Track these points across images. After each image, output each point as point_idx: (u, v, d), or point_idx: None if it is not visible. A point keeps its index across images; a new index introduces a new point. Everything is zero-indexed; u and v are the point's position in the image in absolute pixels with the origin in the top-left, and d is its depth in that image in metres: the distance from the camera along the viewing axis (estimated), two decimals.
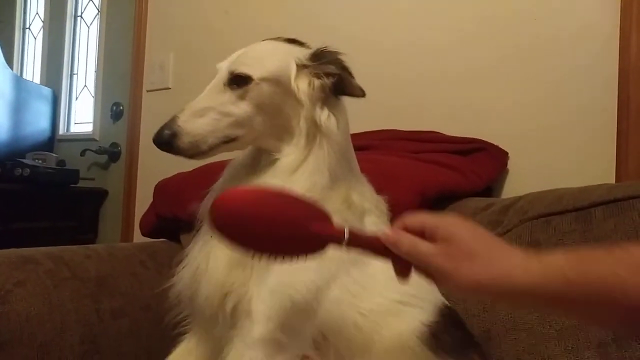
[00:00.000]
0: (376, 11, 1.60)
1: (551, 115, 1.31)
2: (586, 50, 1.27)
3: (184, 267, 0.85)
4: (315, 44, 0.85)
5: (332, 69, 0.79)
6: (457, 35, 1.45)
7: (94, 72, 2.56)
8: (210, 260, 0.81)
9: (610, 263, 0.48)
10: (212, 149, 0.78)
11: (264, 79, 0.78)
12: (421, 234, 0.56)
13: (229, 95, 0.78)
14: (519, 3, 1.37)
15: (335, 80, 0.79)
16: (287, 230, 0.57)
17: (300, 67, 0.80)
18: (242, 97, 0.78)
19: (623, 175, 1.19)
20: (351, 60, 0.83)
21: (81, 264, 1.07)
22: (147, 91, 2.14)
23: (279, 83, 0.79)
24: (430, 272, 0.56)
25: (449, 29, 1.47)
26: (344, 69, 0.80)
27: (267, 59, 0.80)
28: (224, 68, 0.80)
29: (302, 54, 0.81)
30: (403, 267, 0.58)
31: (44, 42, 2.78)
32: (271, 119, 0.80)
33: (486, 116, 1.39)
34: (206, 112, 0.77)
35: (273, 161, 0.80)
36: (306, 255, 0.59)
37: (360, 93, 0.81)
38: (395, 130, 1.42)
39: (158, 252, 1.28)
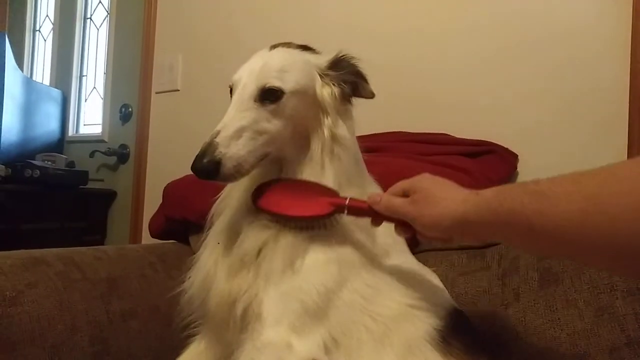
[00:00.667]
0: (386, 10, 1.59)
1: (562, 117, 1.30)
2: (597, 55, 1.27)
3: (193, 273, 0.86)
4: (325, 45, 0.86)
5: (350, 77, 0.81)
6: (468, 36, 1.45)
7: (103, 74, 2.57)
8: (217, 267, 0.82)
9: (519, 191, 0.56)
10: (251, 169, 0.76)
11: (294, 92, 0.77)
12: (403, 195, 0.71)
13: (261, 112, 0.76)
14: (529, 3, 1.37)
15: (352, 86, 0.81)
16: (304, 200, 0.77)
17: (321, 76, 0.81)
18: (274, 113, 0.76)
19: None
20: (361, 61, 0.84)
21: (91, 266, 1.08)
22: (156, 93, 2.16)
23: (306, 94, 0.79)
24: (405, 221, 0.70)
25: (461, 30, 1.47)
26: (361, 76, 0.82)
27: (292, 70, 0.79)
28: (249, 84, 0.77)
29: (319, 61, 0.82)
30: (398, 224, 0.73)
31: (54, 44, 2.80)
32: (297, 130, 0.80)
33: (496, 118, 1.39)
34: (242, 132, 0.74)
35: (289, 173, 0.81)
36: (318, 218, 0.76)
37: (370, 95, 0.84)
38: (405, 132, 1.42)
39: (167, 253, 1.29)
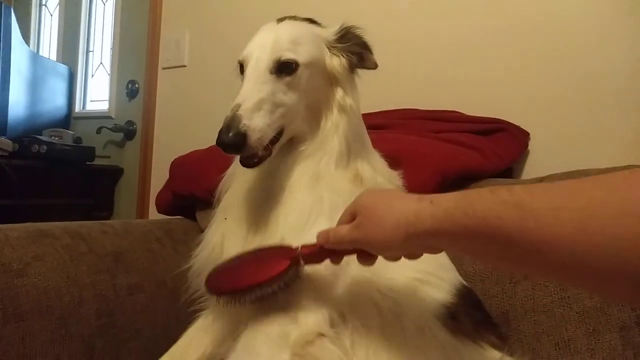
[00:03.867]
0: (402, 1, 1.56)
1: (573, 94, 1.28)
2: (612, 30, 1.23)
3: (201, 249, 0.86)
4: (333, 21, 0.86)
5: (355, 48, 0.82)
6: (480, 12, 1.42)
7: (109, 50, 2.55)
8: (225, 241, 0.82)
9: (491, 201, 0.49)
10: (267, 147, 0.75)
11: (308, 64, 0.79)
12: (352, 219, 0.63)
13: (277, 84, 0.76)
14: None
15: (358, 57, 0.83)
16: (255, 266, 0.70)
17: (329, 48, 0.82)
18: (290, 86, 0.77)
19: None
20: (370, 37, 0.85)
21: (98, 239, 1.07)
22: (163, 69, 2.14)
23: (318, 66, 0.80)
24: (357, 247, 0.63)
25: (473, 6, 1.43)
26: (367, 47, 0.84)
27: (303, 42, 0.79)
28: (263, 57, 0.77)
29: (326, 34, 0.84)
30: (359, 256, 0.66)
31: (60, 19, 2.77)
32: (309, 103, 0.80)
33: (507, 96, 1.36)
34: (261, 104, 0.74)
35: (298, 147, 0.82)
36: (281, 275, 0.68)
37: (374, 66, 0.85)
38: (416, 109, 1.40)
39: (174, 229, 1.29)
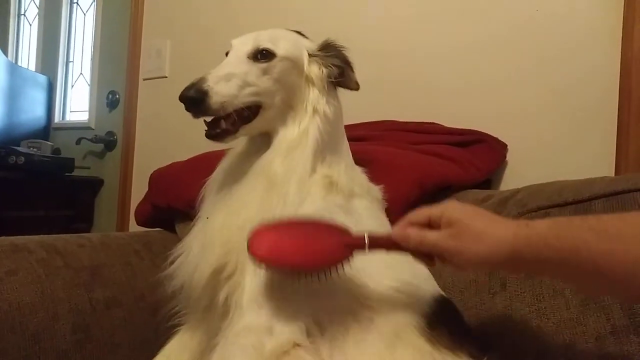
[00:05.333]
0: (380, 9, 1.57)
1: (550, 106, 1.30)
2: (588, 41, 1.26)
3: (177, 253, 0.85)
4: (314, 27, 0.91)
5: (337, 61, 0.86)
6: (456, 25, 1.44)
7: (90, 60, 2.53)
8: (207, 236, 0.81)
9: (582, 228, 0.53)
10: (235, 113, 0.79)
11: (285, 58, 0.83)
12: (427, 225, 0.64)
13: (252, 67, 0.81)
14: None
15: (339, 72, 0.86)
16: (316, 246, 0.67)
17: (311, 55, 0.86)
18: (265, 71, 0.81)
19: (623, 167, 1.18)
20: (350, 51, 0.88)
21: (74, 253, 1.06)
22: (144, 79, 2.12)
23: (295, 65, 0.84)
24: (441, 256, 0.64)
25: (448, 20, 1.45)
26: (348, 63, 0.87)
27: (285, 41, 0.85)
28: (245, 44, 0.83)
29: (309, 44, 0.88)
30: (423, 257, 0.66)
31: (40, 29, 2.75)
32: (284, 95, 0.83)
33: (485, 108, 1.38)
34: (231, 77, 0.78)
35: (271, 140, 0.84)
36: (337, 264, 0.67)
37: (355, 87, 0.88)
38: (394, 121, 1.41)
39: (153, 242, 1.27)
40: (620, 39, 1.20)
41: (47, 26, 2.71)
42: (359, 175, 0.90)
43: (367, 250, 0.67)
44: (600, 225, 0.52)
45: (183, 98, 0.74)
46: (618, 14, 1.21)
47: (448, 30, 1.45)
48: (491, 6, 1.39)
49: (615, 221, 0.51)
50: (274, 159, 0.81)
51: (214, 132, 0.79)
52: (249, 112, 0.81)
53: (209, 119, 0.80)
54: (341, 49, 0.87)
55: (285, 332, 0.69)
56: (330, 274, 0.67)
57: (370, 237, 0.67)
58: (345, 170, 0.85)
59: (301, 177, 0.80)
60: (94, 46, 2.48)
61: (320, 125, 0.83)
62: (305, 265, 0.67)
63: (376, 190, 0.91)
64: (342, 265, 0.68)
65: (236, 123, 0.80)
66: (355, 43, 0.89)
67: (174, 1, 2.07)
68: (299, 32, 0.91)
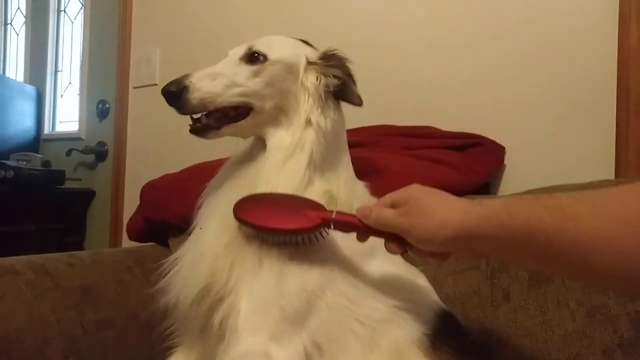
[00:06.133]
0: (373, 10, 1.55)
1: (548, 108, 1.27)
2: (584, 43, 1.23)
3: (169, 266, 0.84)
4: (306, 29, 0.93)
5: (338, 72, 0.82)
6: (450, 29, 1.41)
7: (78, 69, 2.50)
8: (199, 250, 0.79)
9: (535, 206, 0.52)
10: (217, 112, 0.79)
11: (278, 61, 0.81)
12: (391, 207, 0.65)
13: (242, 68, 0.80)
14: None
15: (340, 84, 0.82)
16: (287, 213, 0.72)
17: (310, 62, 0.83)
18: (256, 74, 0.80)
19: (622, 168, 1.16)
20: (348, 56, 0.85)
21: (64, 273, 1.03)
22: (134, 88, 2.09)
23: (291, 70, 0.82)
24: (397, 233, 0.64)
25: (443, 25, 1.43)
26: (349, 75, 0.83)
27: (282, 46, 0.84)
28: (239, 50, 0.82)
29: (311, 51, 0.85)
30: (388, 239, 0.67)
31: (27, 39, 2.72)
32: (277, 100, 0.81)
33: (481, 110, 1.35)
34: (218, 77, 0.78)
35: (267, 149, 0.82)
36: (307, 230, 0.71)
37: (358, 102, 0.84)
38: (390, 125, 1.38)
39: (146, 257, 1.24)
40: (617, 40, 1.18)
41: (35, 35, 2.68)
42: (360, 189, 0.86)
43: (332, 224, 0.70)
44: (554, 203, 0.51)
45: (163, 91, 0.76)
46: (614, 13, 1.19)
47: (444, 30, 1.42)
48: (484, 7, 1.36)
49: (570, 200, 0.50)
50: (267, 170, 0.79)
51: (195, 127, 0.79)
52: (236, 113, 0.80)
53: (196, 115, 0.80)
54: (344, 60, 0.83)
55: (283, 356, 0.67)
56: (302, 239, 0.72)
57: (338, 212, 0.71)
58: (345, 184, 0.82)
59: (297, 190, 0.77)
60: (83, 54, 2.44)
61: (315, 138, 0.79)
62: (276, 226, 0.72)
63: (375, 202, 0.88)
64: (315, 234, 0.72)
65: (220, 120, 0.79)
66: (347, 44, 0.87)
67: (163, 7, 2.04)
68: (304, 41, 0.88)
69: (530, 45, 1.30)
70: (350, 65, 0.84)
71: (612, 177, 1.17)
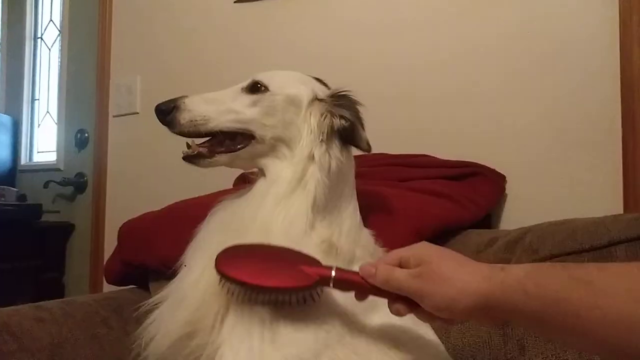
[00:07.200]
0: (368, 30, 1.49)
1: (551, 135, 1.22)
2: (587, 68, 1.19)
3: (149, 308, 0.78)
4: (291, 64, 0.87)
5: (346, 114, 0.78)
6: (449, 53, 1.36)
7: (56, 97, 2.42)
8: (180, 291, 0.74)
9: (564, 278, 0.49)
10: (207, 135, 0.78)
11: (280, 93, 0.79)
12: (398, 266, 0.60)
13: (242, 98, 0.79)
14: (516, 22, 1.29)
15: (347, 126, 0.78)
16: (280, 268, 0.65)
17: (318, 99, 0.80)
18: (254, 103, 0.79)
19: (631, 199, 1.10)
20: (338, 79, 0.83)
21: (31, 331, 0.93)
22: (114, 116, 2.02)
23: (293, 102, 0.79)
24: (409, 297, 0.58)
25: (442, 47, 1.38)
26: (358, 119, 0.80)
27: (286, 79, 0.82)
28: (248, 80, 0.82)
29: (321, 88, 0.83)
30: (394, 300, 0.60)
31: (2, 66, 2.66)
32: (279, 132, 0.78)
33: (480, 137, 1.30)
34: (215, 102, 0.78)
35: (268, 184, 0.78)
36: (299, 289, 0.64)
37: (365, 147, 0.80)
38: (384, 154, 1.30)
39: (123, 305, 1.14)
40: (619, 64, 1.14)
41: (11, 63, 2.63)
42: (366, 237, 0.80)
43: (332, 282, 0.63)
44: (584, 275, 0.48)
45: (155, 108, 0.77)
46: (614, 41, 1.15)
47: (440, 59, 1.37)
48: (486, 35, 1.32)
49: (602, 273, 0.48)
50: (267, 204, 0.74)
51: (187, 153, 0.79)
52: (233, 141, 0.79)
53: (198, 140, 0.79)
54: (354, 102, 0.80)
55: None
56: (291, 299, 0.65)
57: (338, 269, 0.64)
58: (349, 232, 0.77)
59: (297, 236, 0.72)
60: (60, 83, 2.37)
61: (319, 176, 0.74)
62: (267, 284, 0.64)
63: (380, 252, 0.80)
64: (311, 294, 0.65)
65: (212, 149, 0.79)
66: (343, 72, 0.88)
67: (142, 34, 1.98)
68: (318, 79, 0.85)
69: (532, 75, 1.26)
70: (359, 108, 0.80)
71: (620, 204, 1.12)
